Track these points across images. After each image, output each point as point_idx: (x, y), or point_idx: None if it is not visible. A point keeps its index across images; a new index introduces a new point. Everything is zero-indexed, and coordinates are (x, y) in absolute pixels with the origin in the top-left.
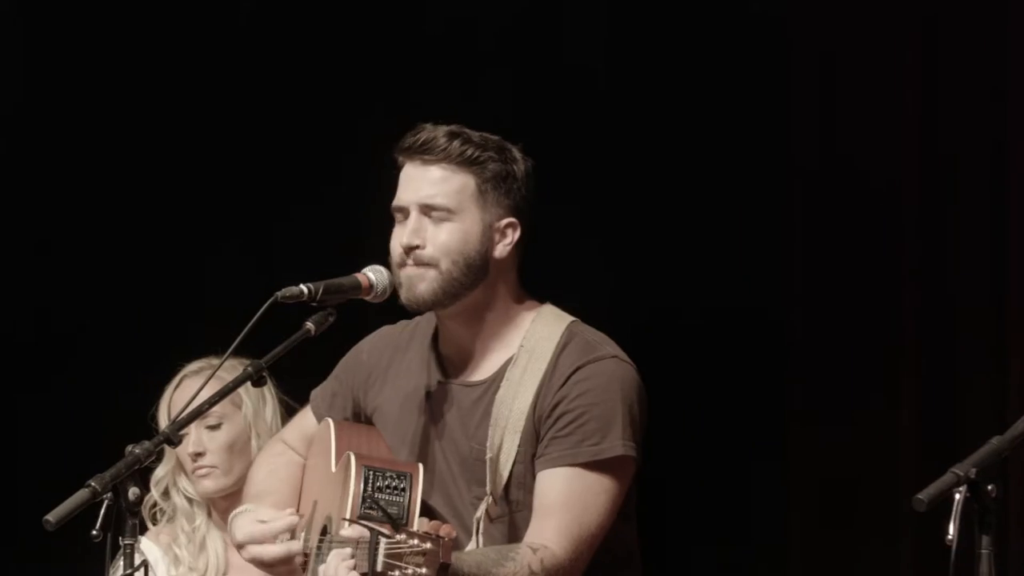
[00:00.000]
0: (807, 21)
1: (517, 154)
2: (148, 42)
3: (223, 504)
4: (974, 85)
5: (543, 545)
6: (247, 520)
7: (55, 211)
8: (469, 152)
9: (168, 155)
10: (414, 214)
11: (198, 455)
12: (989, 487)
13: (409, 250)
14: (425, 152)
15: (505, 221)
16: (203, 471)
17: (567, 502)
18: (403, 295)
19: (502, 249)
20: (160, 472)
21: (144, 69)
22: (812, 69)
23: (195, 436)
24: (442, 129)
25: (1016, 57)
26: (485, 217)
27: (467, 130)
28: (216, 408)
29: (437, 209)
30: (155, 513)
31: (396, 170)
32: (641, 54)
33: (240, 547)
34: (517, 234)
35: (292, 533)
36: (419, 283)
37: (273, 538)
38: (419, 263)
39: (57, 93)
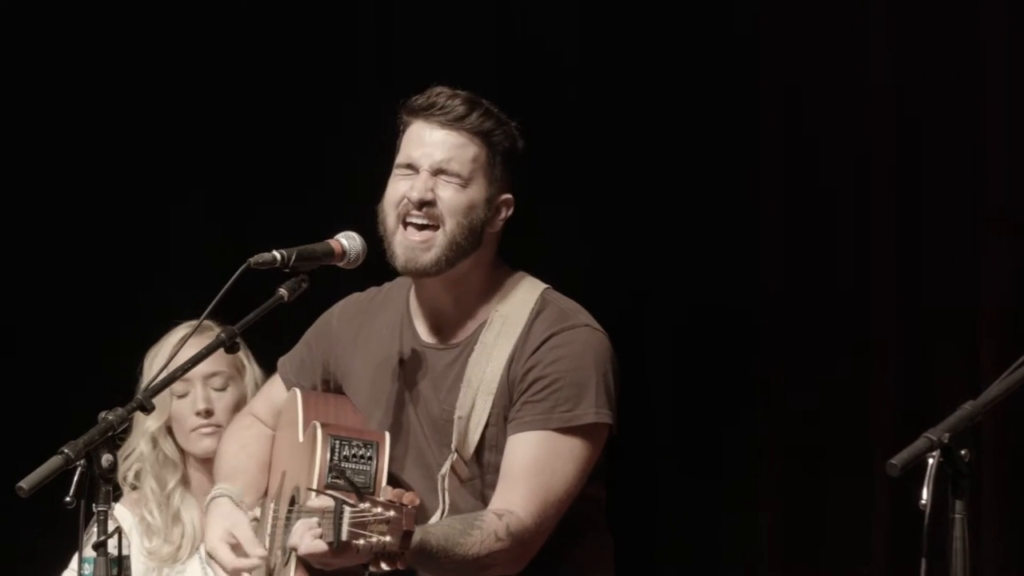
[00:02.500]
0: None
1: (516, 131)
2: (117, 5)
3: (212, 467)
4: (945, 61)
5: (508, 510)
6: (221, 527)
7: (19, 180)
8: (487, 125)
9: (134, 120)
10: (425, 174)
11: (208, 412)
12: (962, 452)
13: (421, 205)
14: (443, 115)
15: (504, 196)
16: (208, 429)
17: (536, 466)
18: (400, 262)
19: (497, 223)
20: (149, 426)
21: (113, 34)
22: (782, 54)
23: (204, 394)
24: (460, 95)
25: (989, 36)
26: (490, 190)
27: (483, 100)
28: (223, 370)
29: (450, 175)
30: (125, 476)
31: (401, 126)
32: (615, 39)
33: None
34: (511, 210)
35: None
36: (423, 253)
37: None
38: (429, 218)
39: (15, 57)
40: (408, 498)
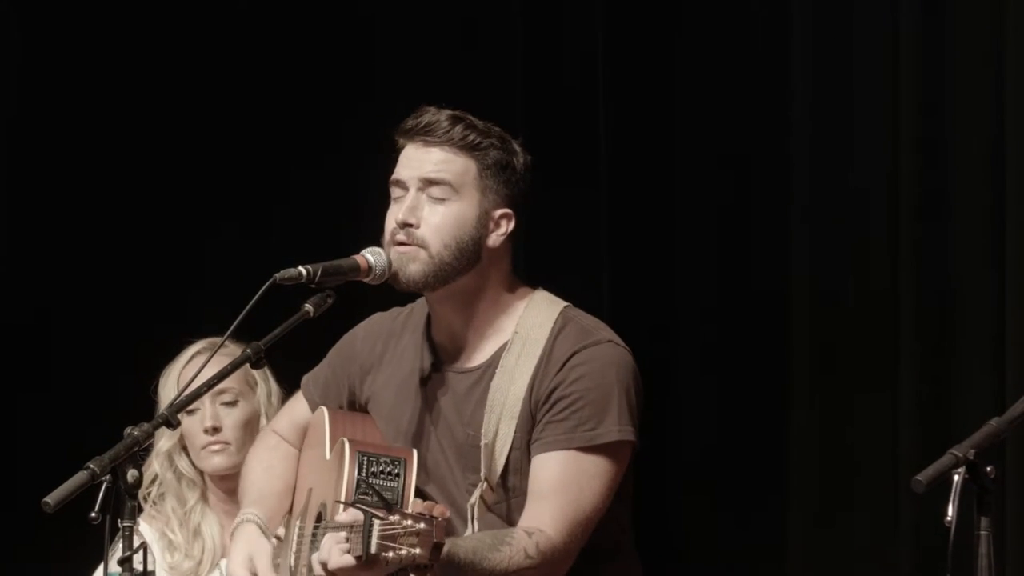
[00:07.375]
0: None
1: (517, 147)
2: (142, 21)
3: (226, 484)
4: (972, 63)
5: (538, 529)
6: (244, 553)
7: (56, 198)
8: (472, 137)
9: (166, 138)
10: (412, 191)
11: (215, 429)
12: (988, 468)
13: (403, 225)
14: (428, 134)
15: (501, 211)
16: (217, 447)
17: (562, 486)
18: (395, 278)
19: (496, 238)
20: (163, 446)
21: (141, 49)
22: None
23: (211, 411)
24: (445, 113)
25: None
26: (483, 203)
27: (470, 116)
28: (233, 386)
29: (438, 184)
30: (147, 494)
31: (395, 152)
32: (637, 56)
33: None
34: (511, 225)
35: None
36: (410, 264)
37: None
38: (411, 240)
39: (53, 77)
40: (439, 510)
